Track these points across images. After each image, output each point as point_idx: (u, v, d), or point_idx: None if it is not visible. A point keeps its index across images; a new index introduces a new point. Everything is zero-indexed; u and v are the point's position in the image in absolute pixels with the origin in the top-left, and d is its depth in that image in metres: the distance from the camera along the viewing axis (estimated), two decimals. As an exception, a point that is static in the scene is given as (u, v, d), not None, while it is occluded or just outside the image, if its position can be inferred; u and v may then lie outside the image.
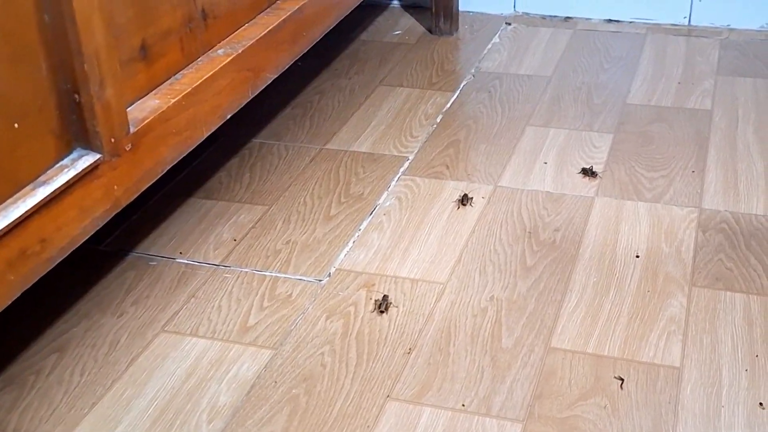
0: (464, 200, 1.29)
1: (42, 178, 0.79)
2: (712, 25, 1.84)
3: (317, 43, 1.30)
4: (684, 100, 1.56)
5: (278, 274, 1.16)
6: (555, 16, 1.92)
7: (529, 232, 1.22)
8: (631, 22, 1.87)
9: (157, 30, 0.97)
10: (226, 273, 1.16)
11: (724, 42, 1.78)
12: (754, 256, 1.16)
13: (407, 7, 1.99)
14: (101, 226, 0.87)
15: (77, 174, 0.80)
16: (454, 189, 1.32)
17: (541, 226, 1.24)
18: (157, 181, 0.95)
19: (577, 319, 1.06)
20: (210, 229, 1.25)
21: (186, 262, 1.19)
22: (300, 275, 1.15)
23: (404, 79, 1.67)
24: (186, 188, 1.35)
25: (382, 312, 1.08)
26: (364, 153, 1.43)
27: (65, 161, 0.81)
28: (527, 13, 1.93)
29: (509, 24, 1.90)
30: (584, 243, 1.20)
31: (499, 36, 1.84)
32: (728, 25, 1.83)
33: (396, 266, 1.16)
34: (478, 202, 1.29)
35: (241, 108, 1.11)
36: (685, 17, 1.85)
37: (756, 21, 1.81)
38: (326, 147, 1.45)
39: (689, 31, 1.83)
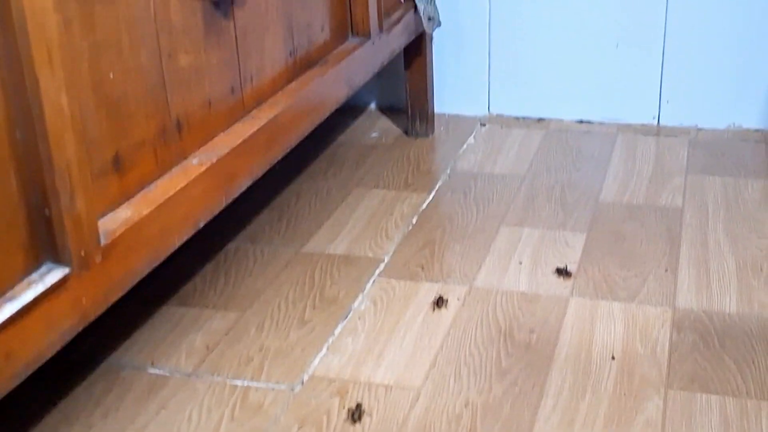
0: (439, 302, 1.29)
1: (9, 294, 0.79)
2: (680, 125, 1.89)
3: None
4: (655, 198, 1.59)
5: (250, 383, 1.14)
6: (528, 117, 1.96)
7: (505, 334, 1.22)
8: (601, 123, 1.92)
9: (131, 142, 0.98)
10: (198, 383, 1.15)
11: (692, 141, 1.82)
12: (728, 356, 1.16)
13: (384, 110, 2.04)
14: (70, 339, 0.86)
15: (45, 290, 0.80)
16: (429, 290, 1.32)
17: (516, 327, 1.23)
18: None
19: (553, 423, 1.05)
20: (182, 337, 1.24)
21: (157, 372, 1.17)
22: (273, 383, 1.14)
23: (380, 180, 1.69)
24: (160, 294, 1.34)
25: (355, 421, 1.06)
26: (340, 255, 1.43)
27: (33, 276, 0.81)
28: (501, 115, 1.98)
29: (484, 125, 1.94)
30: (559, 344, 1.19)
31: (474, 137, 1.88)
32: (696, 125, 1.88)
33: (370, 372, 1.15)
34: (453, 304, 1.29)
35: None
36: (654, 117, 1.90)
37: (723, 121, 1.86)
38: (302, 250, 1.45)
39: (658, 131, 1.88)
